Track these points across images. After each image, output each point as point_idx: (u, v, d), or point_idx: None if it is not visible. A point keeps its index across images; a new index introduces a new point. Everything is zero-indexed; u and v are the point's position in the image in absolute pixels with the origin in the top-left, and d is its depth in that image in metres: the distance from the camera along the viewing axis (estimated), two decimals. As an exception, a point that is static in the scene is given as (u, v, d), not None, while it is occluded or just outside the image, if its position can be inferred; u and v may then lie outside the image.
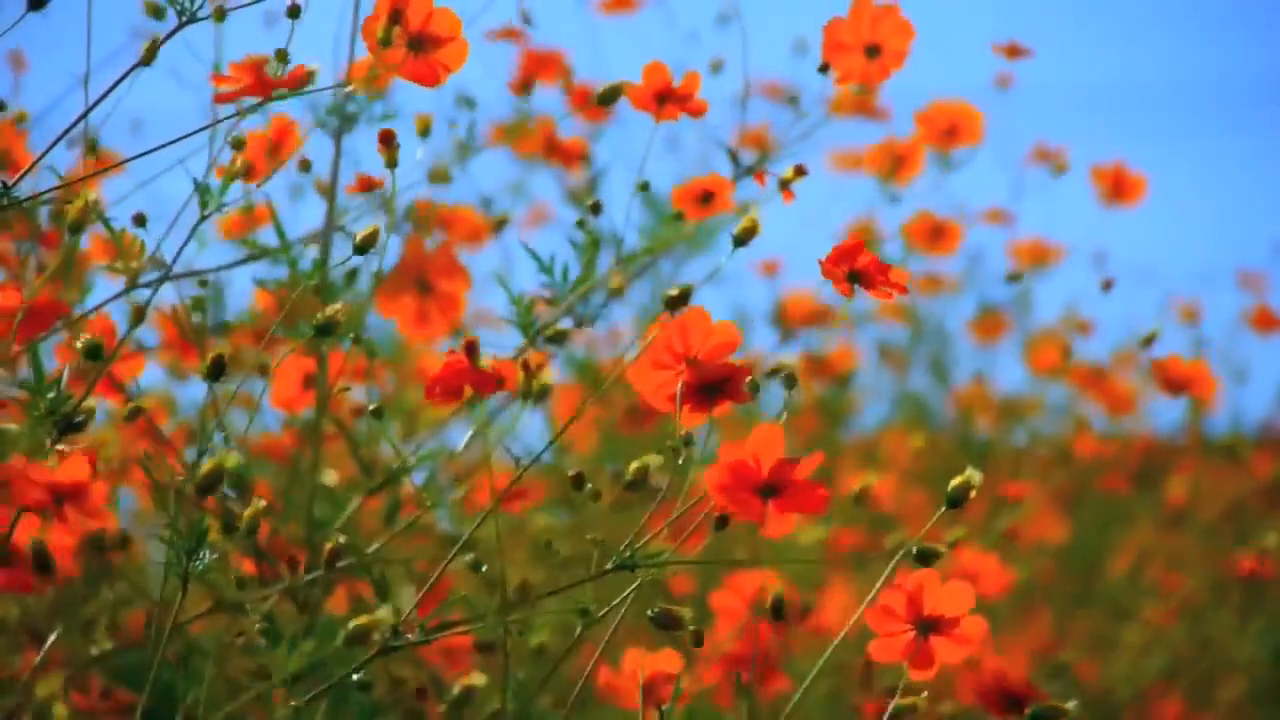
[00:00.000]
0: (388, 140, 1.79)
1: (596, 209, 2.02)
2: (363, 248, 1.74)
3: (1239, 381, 4.07)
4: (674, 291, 1.70)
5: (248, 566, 1.90)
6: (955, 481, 1.63)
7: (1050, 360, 4.01)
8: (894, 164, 2.69)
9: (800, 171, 1.93)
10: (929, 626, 1.63)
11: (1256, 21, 6.16)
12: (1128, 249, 4.37)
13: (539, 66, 2.83)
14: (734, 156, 2.19)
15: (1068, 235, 4.08)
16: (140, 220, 1.96)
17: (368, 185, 2.14)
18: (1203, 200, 5.73)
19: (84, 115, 1.77)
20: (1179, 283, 4.17)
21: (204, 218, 1.79)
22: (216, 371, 1.69)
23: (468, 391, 1.70)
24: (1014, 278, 3.31)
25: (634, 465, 1.68)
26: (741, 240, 1.74)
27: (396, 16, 1.66)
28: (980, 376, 4.38)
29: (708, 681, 2.08)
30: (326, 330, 1.71)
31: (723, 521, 1.62)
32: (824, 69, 1.98)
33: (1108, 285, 2.94)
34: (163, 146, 1.77)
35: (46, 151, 1.78)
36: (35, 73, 2.88)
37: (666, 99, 1.91)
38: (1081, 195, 3.68)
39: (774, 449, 1.58)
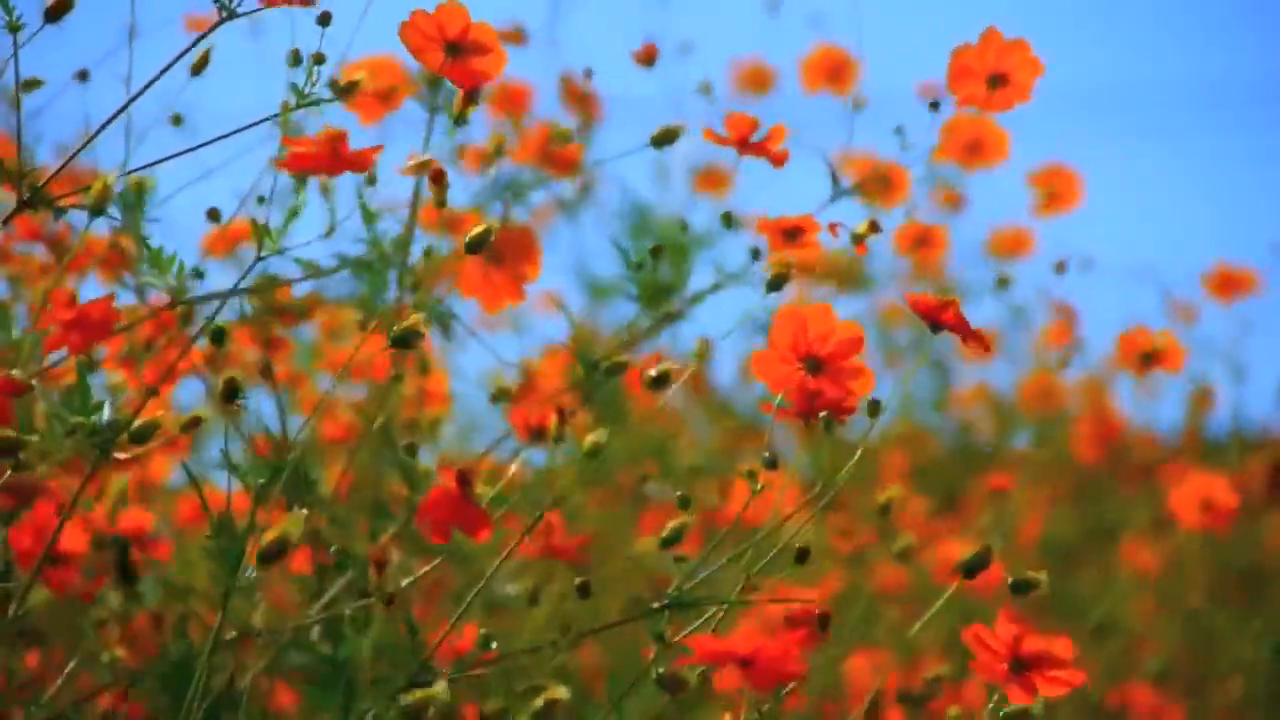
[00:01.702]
0: (439, 179, 1.78)
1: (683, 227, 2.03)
2: (472, 246, 1.71)
3: (1238, 381, 4.06)
4: (653, 373, 1.70)
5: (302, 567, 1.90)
6: (966, 556, 1.64)
7: (1042, 383, 4.01)
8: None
9: (874, 227, 1.91)
10: (1024, 665, 1.62)
11: (1255, 22, 6.18)
12: (1126, 249, 4.37)
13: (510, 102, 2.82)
14: (835, 177, 2.17)
15: (1065, 233, 4.08)
16: (214, 215, 1.98)
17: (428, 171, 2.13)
18: (1202, 200, 5.74)
19: (123, 108, 1.75)
20: (1178, 283, 4.17)
21: (260, 258, 1.79)
22: (231, 394, 1.64)
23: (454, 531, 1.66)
24: (1002, 283, 3.32)
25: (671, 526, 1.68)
26: (775, 286, 1.73)
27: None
28: (980, 380, 4.39)
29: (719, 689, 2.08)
30: (404, 342, 1.66)
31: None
32: (934, 106, 1.97)
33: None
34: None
35: (82, 148, 1.77)
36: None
37: (748, 146, 1.93)
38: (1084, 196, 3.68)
39: None
